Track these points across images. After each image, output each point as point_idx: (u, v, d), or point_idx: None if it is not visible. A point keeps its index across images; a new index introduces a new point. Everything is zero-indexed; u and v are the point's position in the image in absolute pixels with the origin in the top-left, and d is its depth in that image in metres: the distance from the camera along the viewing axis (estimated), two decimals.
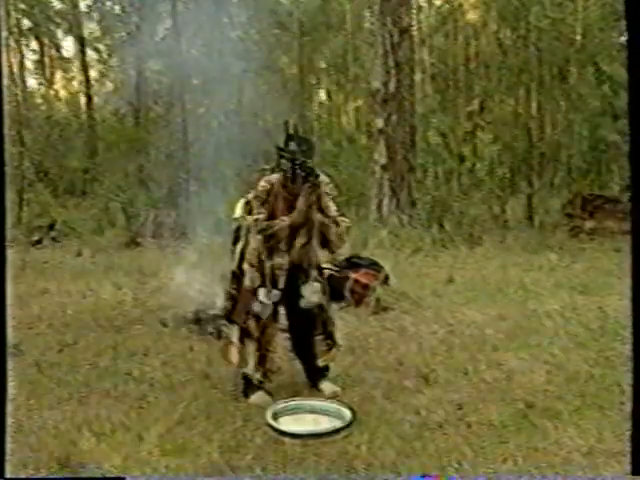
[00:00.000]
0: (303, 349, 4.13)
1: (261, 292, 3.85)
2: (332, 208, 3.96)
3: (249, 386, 3.95)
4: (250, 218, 3.85)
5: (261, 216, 3.82)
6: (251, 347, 3.93)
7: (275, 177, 3.88)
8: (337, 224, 3.93)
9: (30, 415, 3.72)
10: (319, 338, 4.05)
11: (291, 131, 3.84)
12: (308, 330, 4.04)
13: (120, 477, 2.91)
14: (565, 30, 13.45)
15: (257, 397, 3.90)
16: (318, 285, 3.94)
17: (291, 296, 3.95)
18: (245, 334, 3.92)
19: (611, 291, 6.29)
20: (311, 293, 3.92)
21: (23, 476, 3.02)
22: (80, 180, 15.95)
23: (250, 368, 3.94)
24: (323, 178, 3.93)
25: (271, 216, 3.84)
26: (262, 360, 3.96)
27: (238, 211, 4.05)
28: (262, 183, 3.87)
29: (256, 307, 3.85)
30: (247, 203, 3.92)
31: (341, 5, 18.73)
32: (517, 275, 7.45)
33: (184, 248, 7.37)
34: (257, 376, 3.94)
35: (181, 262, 6.47)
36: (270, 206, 3.85)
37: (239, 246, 3.96)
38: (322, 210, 3.91)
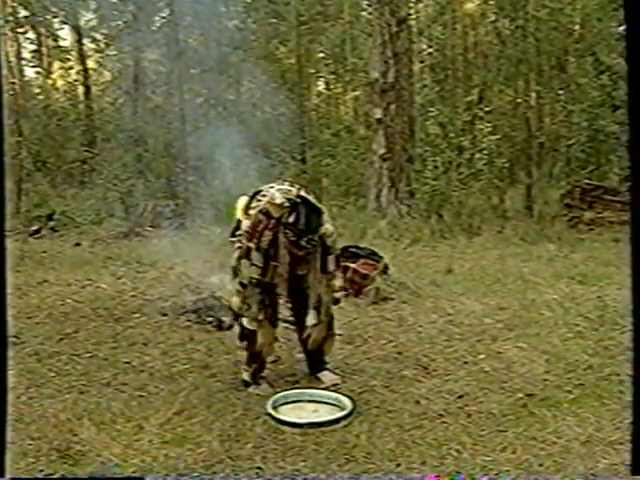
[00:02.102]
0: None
1: (245, 320, 3.85)
2: (331, 263, 3.89)
3: None
4: (246, 272, 3.78)
5: (256, 275, 3.76)
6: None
7: (282, 233, 3.72)
8: (329, 286, 3.91)
9: (30, 404, 3.72)
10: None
11: (301, 209, 3.64)
12: None
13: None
14: (563, 20, 13.40)
15: (257, 386, 3.91)
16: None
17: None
18: (243, 333, 3.93)
19: (610, 281, 6.30)
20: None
21: (23, 466, 3.02)
22: (78, 170, 15.91)
23: (244, 367, 3.96)
24: (327, 229, 3.81)
25: (273, 256, 3.77)
26: (255, 360, 3.95)
27: (239, 212, 4.02)
28: (267, 232, 3.73)
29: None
30: (250, 230, 3.79)
31: None
32: (516, 265, 7.45)
33: (183, 238, 7.36)
34: (246, 375, 3.95)
35: (180, 252, 6.46)
36: (270, 256, 3.76)
37: (237, 251, 3.89)
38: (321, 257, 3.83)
